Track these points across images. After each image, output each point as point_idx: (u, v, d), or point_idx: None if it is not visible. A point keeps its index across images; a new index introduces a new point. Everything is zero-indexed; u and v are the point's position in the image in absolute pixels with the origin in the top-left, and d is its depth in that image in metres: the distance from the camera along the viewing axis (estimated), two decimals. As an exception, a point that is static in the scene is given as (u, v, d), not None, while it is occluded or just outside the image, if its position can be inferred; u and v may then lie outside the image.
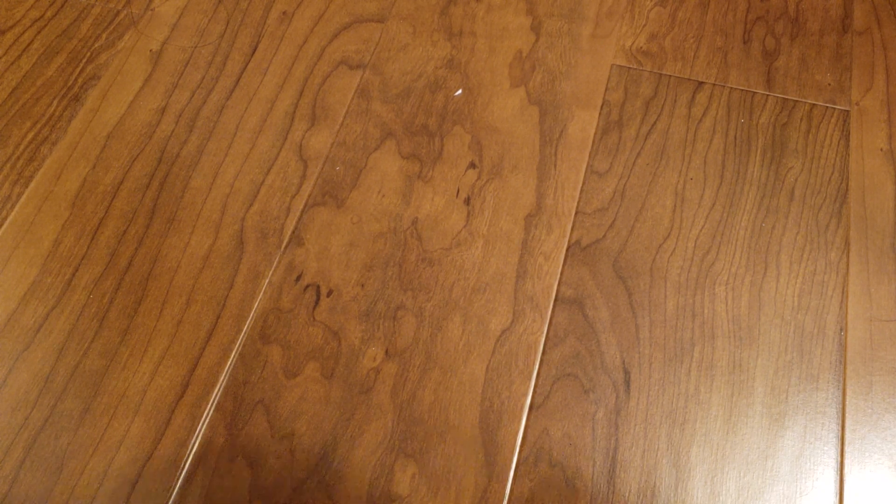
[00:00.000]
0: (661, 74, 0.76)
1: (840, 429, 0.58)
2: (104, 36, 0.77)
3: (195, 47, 0.77)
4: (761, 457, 0.57)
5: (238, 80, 0.75)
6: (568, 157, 0.71)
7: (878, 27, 0.80)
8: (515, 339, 0.61)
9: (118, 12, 0.79)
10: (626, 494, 0.55)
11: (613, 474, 0.56)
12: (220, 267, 0.64)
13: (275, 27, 0.78)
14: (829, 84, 0.75)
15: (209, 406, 0.58)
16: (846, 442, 0.58)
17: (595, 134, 0.72)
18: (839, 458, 0.57)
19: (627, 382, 0.59)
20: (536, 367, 0.60)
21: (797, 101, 0.74)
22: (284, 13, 0.79)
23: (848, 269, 0.65)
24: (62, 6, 0.79)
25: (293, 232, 0.66)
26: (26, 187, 0.68)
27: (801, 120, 0.73)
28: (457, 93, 0.74)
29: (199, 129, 0.72)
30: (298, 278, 0.64)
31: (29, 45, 0.77)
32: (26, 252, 0.65)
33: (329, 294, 0.63)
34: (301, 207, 0.67)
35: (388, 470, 0.56)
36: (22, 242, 0.65)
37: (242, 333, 0.61)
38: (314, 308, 0.62)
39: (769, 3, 0.81)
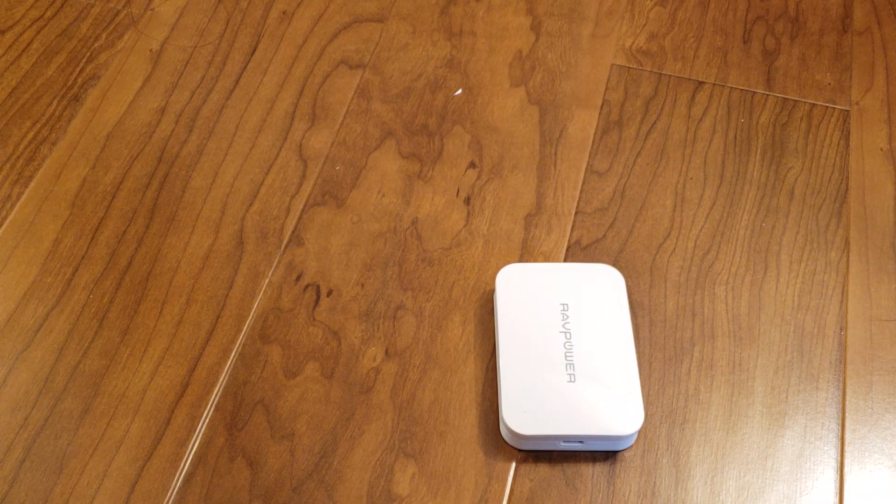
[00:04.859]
0: (661, 74, 0.76)
1: (840, 429, 0.58)
2: (104, 36, 0.77)
3: (195, 47, 0.77)
4: (761, 457, 0.57)
5: (238, 79, 0.75)
6: (568, 156, 0.71)
7: (878, 27, 0.80)
8: (515, 338, 0.61)
9: (118, 12, 0.79)
10: (626, 494, 0.55)
11: (613, 474, 0.56)
12: (220, 267, 0.64)
13: (275, 27, 0.78)
14: (829, 84, 0.75)
15: (209, 406, 0.58)
16: (846, 442, 0.58)
17: (595, 134, 0.72)
18: (839, 458, 0.57)
19: (627, 382, 0.59)
20: (536, 366, 0.60)
21: (797, 100, 0.74)
22: (284, 13, 0.79)
23: (848, 268, 0.65)
24: (62, 6, 0.79)
25: (293, 232, 0.66)
26: (26, 187, 0.68)
27: (801, 120, 0.73)
28: (457, 92, 0.74)
29: (199, 128, 0.72)
30: (298, 278, 0.64)
31: (28, 44, 0.77)
32: (26, 252, 0.65)
33: (329, 294, 0.63)
34: (301, 207, 0.67)
35: (388, 470, 0.56)
36: (22, 242, 0.65)
37: (242, 333, 0.61)
38: (314, 308, 0.62)
39: (769, 3, 0.81)
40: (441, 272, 0.64)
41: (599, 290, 0.61)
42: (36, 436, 0.57)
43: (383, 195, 0.68)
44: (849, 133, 0.73)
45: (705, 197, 0.69)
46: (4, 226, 0.66)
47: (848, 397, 0.60)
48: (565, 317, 0.59)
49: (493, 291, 0.63)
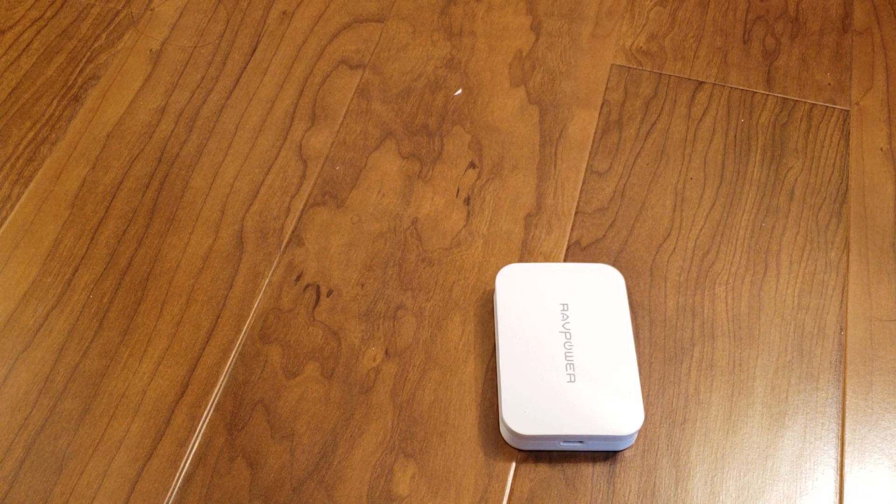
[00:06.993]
0: (661, 74, 0.76)
1: (840, 429, 0.58)
2: (104, 36, 0.77)
3: (195, 47, 0.77)
4: (761, 457, 0.57)
5: (238, 79, 0.75)
6: (568, 156, 0.71)
7: (878, 27, 0.80)
8: (515, 338, 0.61)
9: (118, 12, 0.79)
10: (626, 494, 0.55)
11: (613, 474, 0.56)
12: (220, 267, 0.64)
13: (275, 27, 0.78)
14: (829, 84, 0.75)
15: (209, 406, 0.58)
16: (846, 442, 0.58)
17: (595, 134, 0.72)
18: (839, 458, 0.57)
19: (627, 382, 0.59)
20: (536, 366, 0.60)
21: (797, 100, 0.74)
22: (284, 13, 0.79)
23: (848, 268, 0.65)
24: (62, 6, 0.79)
25: (293, 232, 0.66)
26: (26, 187, 0.68)
27: (801, 120, 0.73)
28: (457, 92, 0.74)
29: (199, 128, 0.72)
30: (298, 278, 0.64)
31: (28, 45, 0.77)
32: (26, 252, 0.65)
33: (329, 294, 0.63)
34: (301, 207, 0.67)
35: (388, 470, 0.56)
36: (22, 242, 0.65)
37: (242, 333, 0.61)
38: (314, 308, 0.62)
39: (769, 3, 0.81)
40: (441, 272, 0.64)
41: (599, 290, 0.61)
42: (36, 436, 0.57)
43: (383, 195, 0.68)
44: (849, 133, 0.73)
45: (705, 197, 0.69)
46: (4, 226, 0.66)
47: (848, 397, 0.60)
48: (565, 317, 0.59)
49: (493, 291, 0.63)
